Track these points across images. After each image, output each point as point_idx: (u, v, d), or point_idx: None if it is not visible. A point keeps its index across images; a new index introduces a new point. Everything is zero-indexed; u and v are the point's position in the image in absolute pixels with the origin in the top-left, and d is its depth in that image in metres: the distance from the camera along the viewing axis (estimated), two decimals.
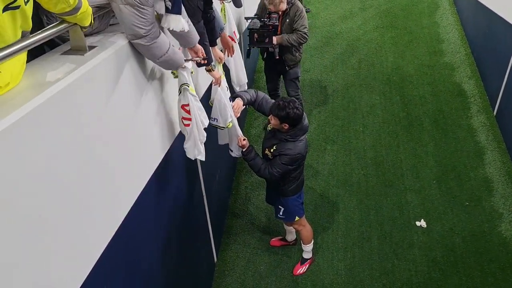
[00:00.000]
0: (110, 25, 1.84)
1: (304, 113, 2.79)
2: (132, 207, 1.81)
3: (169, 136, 2.30)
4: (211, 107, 2.73)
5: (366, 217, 3.90)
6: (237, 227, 3.91)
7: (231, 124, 2.74)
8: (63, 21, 1.41)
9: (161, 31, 1.78)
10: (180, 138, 2.36)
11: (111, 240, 1.62)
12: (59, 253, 1.30)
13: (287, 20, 4.03)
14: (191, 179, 2.83)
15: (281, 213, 3.22)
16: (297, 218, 3.23)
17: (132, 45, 1.77)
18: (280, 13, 4.00)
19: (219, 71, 2.76)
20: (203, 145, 2.27)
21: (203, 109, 2.22)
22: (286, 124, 2.73)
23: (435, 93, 5.27)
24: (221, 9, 3.30)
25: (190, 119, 2.14)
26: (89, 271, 1.48)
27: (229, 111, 2.69)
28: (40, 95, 1.20)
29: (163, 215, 2.30)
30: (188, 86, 2.06)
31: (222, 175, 3.73)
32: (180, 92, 2.08)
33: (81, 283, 1.43)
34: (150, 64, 1.98)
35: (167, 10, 1.76)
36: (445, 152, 4.49)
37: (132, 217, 1.80)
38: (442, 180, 4.20)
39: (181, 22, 1.79)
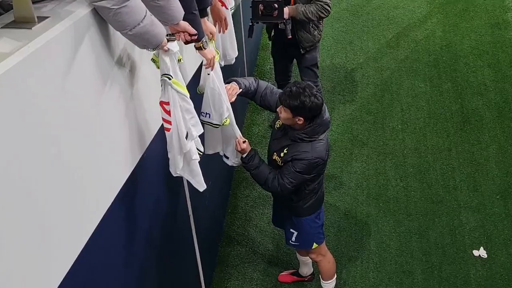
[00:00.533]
0: None
1: (324, 103, 2.77)
2: (95, 230, 1.77)
3: (145, 136, 2.26)
4: (200, 97, 2.70)
5: (407, 244, 3.88)
6: (235, 257, 3.90)
7: (228, 121, 2.70)
8: None
9: None
10: (158, 139, 2.35)
11: (65, 276, 1.59)
12: None
13: None
14: (173, 193, 2.78)
15: (293, 238, 3.19)
16: (315, 245, 3.19)
17: (96, 15, 1.72)
18: None
19: (212, 49, 2.70)
20: (197, 164, 2.28)
21: (194, 112, 2.17)
22: (301, 118, 2.71)
23: (499, 79, 5.24)
24: None
25: (171, 123, 2.11)
26: None
27: (225, 103, 2.65)
28: None
29: (135, 240, 2.26)
30: (171, 79, 2.00)
31: (215, 188, 3.69)
32: (162, 85, 2.05)
33: None
34: (121, 40, 1.92)
35: None
36: None
37: (95, 243, 1.76)
38: (508, 194, 4.18)
39: None
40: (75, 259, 1.66)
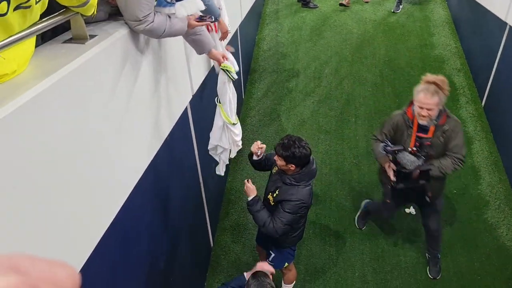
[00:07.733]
0: (110, 14, 1.77)
1: (312, 156, 2.49)
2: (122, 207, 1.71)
3: (160, 134, 2.14)
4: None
5: (358, 204, 3.81)
6: (232, 222, 3.80)
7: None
8: (65, 10, 1.37)
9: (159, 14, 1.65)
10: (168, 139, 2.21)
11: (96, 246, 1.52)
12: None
13: (441, 138, 2.67)
14: (188, 179, 2.70)
15: (270, 258, 2.87)
16: (286, 264, 2.93)
17: (133, 33, 1.69)
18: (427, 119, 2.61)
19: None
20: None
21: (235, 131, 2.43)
22: (293, 165, 2.42)
23: None
24: None
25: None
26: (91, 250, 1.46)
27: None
28: (37, 85, 1.14)
29: (159, 212, 2.22)
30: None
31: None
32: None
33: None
34: (153, 53, 1.88)
35: None
36: None
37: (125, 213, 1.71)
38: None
39: (196, 2, 1.69)
40: (108, 226, 1.59)
